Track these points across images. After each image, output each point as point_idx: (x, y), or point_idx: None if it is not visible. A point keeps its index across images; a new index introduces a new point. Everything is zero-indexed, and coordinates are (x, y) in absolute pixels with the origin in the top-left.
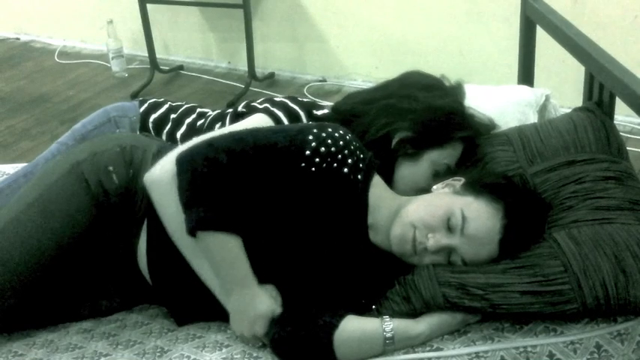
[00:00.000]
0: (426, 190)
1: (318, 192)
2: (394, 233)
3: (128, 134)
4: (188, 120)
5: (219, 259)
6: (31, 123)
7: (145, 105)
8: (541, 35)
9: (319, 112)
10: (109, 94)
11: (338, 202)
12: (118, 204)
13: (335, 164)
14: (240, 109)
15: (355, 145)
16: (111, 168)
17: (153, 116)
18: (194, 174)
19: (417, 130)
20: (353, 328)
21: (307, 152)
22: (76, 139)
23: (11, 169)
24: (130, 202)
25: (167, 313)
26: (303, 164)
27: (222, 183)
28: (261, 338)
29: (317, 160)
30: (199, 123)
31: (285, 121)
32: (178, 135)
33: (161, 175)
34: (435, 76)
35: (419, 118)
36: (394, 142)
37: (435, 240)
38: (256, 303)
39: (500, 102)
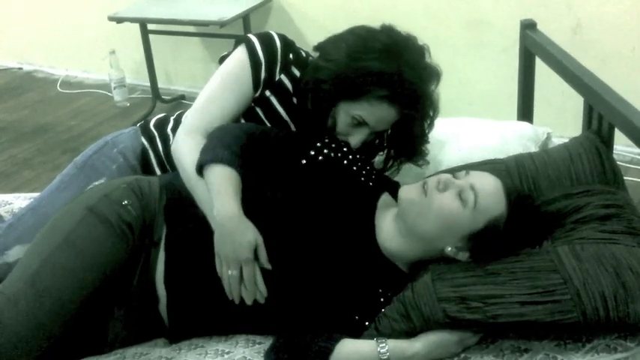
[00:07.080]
0: None
1: (329, 177)
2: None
3: (126, 177)
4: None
5: (217, 185)
6: (33, 152)
7: (142, 121)
8: (541, 66)
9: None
10: (111, 124)
11: (348, 193)
12: (140, 232)
13: (345, 161)
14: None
15: (363, 156)
16: (125, 202)
17: (153, 120)
18: (221, 131)
19: (332, 82)
20: (348, 351)
21: (319, 144)
22: (77, 167)
23: (13, 198)
24: (148, 229)
25: (165, 341)
26: (312, 152)
27: (245, 140)
28: (243, 261)
29: (325, 150)
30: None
31: (260, 52)
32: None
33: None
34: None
35: (335, 71)
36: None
37: (446, 177)
38: (244, 230)
39: (502, 134)
